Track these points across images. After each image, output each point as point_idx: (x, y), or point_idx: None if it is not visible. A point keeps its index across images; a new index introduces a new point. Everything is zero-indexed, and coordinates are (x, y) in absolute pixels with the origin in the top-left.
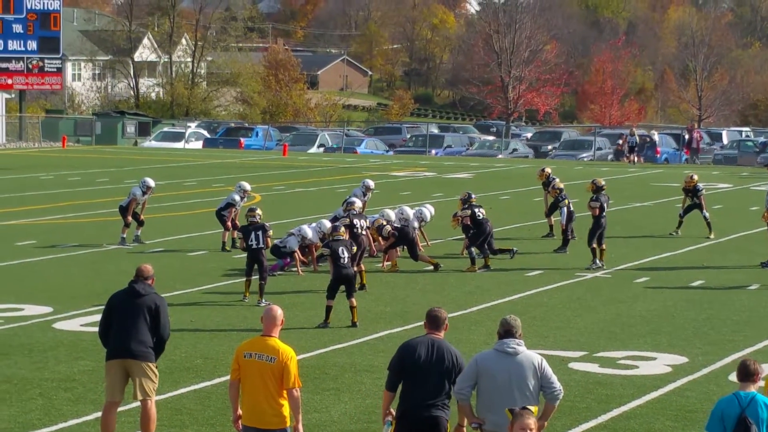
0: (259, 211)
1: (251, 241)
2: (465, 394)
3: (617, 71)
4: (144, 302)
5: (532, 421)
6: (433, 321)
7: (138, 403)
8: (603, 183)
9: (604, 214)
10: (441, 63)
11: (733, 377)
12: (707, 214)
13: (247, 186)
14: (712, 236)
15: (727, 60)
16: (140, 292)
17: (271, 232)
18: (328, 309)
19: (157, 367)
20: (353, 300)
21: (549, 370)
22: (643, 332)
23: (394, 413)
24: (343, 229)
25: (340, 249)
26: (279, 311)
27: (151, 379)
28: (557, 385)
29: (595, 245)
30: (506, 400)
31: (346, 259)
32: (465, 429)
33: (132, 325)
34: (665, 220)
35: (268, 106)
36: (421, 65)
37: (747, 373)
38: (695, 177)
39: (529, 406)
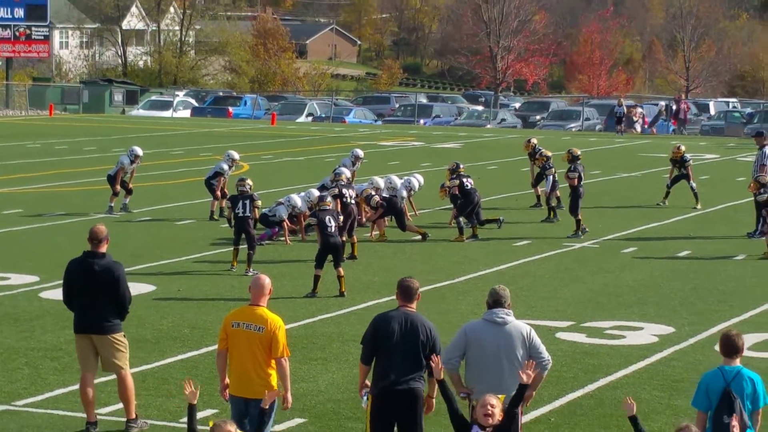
0: (249, 181)
1: (238, 209)
2: (454, 364)
3: (605, 42)
4: (100, 273)
5: (494, 400)
6: (406, 292)
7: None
8: (579, 153)
9: (581, 183)
10: (430, 33)
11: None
12: (694, 185)
13: (236, 155)
14: (698, 207)
15: (714, 31)
16: (95, 263)
17: (259, 203)
18: (316, 278)
19: (125, 336)
20: (341, 269)
21: (537, 340)
22: (630, 302)
23: (369, 386)
24: (330, 198)
25: (327, 218)
26: (267, 280)
27: (120, 350)
28: (546, 355)
29: (580, 216)
30: (495, 370)
31: (333, 228)
32: (434, 400)
33: (91, 298)
34: (653, 191)
35: (256, 75)
36: (410, 35)
37: (732, 348)
38: (682, 147)
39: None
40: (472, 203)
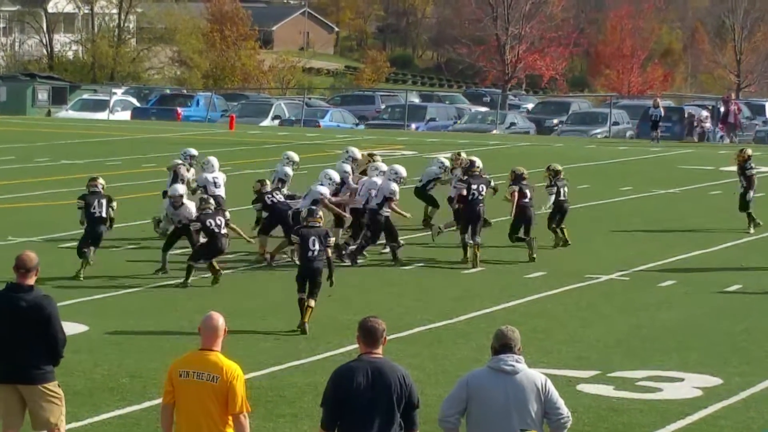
0: (101, 180)
1: (94, 208)
2: (453, 423)
3: (638, 29)
4: (28, 310)
5: None
6: (369, 335)
7: None
8: (523, 171)
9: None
10: (423, 18)
11: None
12: (752, 197)
13: (296, 156)
14: (752, 231)
15: None
16: (21, 298)
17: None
18: (301, 302)
19: (59, 386)
20: (312, 301)
21: (555, 393)
22: (667, 347)
23: None
24: (320, 214)
25: (312, 239)
26: (221, 319)
27: (54, 403)
28: (565, 410)
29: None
30: (503, 428)
31: (315, 252)
32: None
33: (18, 341)
34: (695, 210)
35: (211, 68)
36: (399, 20)
37: None
38: (748, 151)
39: (529, 431)
40: (473, 215)
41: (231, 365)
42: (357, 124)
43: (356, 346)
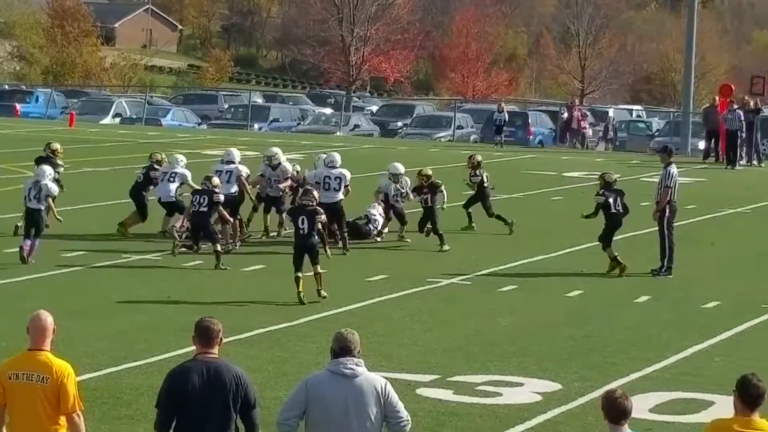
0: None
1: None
2: (290, 426)
3: (484, 33)
4: None
5: None
6: (204, 335)
7: None
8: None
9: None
10: (268, 17)
11: None
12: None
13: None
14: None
15: (616, 23)
16: None
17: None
18: (297, 280)
19: None
20: (317, 267)
21: (395, 396)
22: (507, 352)
23: None
24: (315, 194)
25: (300, 218)
26: (50, 318)
27: None
28: (404, 414)
29: None
30: None
31: (305, 230)
32: None
33: None
34: (537, 215)
35: (51, 64)
36: (244, 20)
37: (619, 412)
38: (478, 157)
39: None
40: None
41: (61, 364)
42: (199, 124)
43: (194, 347)
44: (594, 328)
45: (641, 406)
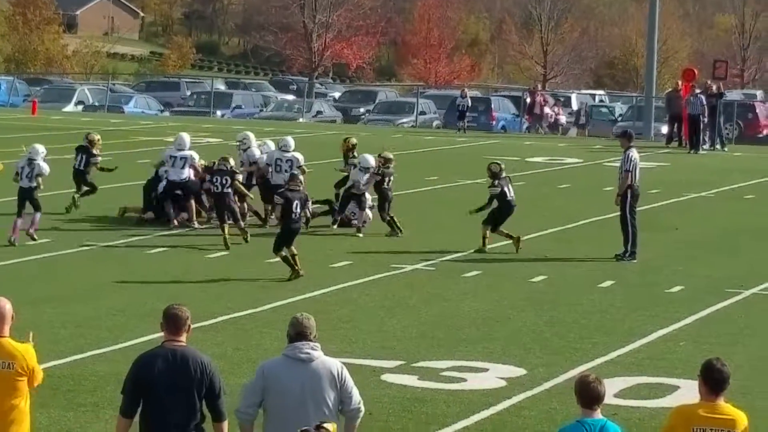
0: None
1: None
2: (250, 414)
3: (445, 19)
4: None
5: None
6: (172, 322)
7: None
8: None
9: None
10: (230, 4)
11: None
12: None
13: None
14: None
15: (578, 8)
16: None
17: None
18: (286, 259)
19: None
20: (294, 249)
21: (350, 381)
22: (472, 338)
23: None
24: (301, 179)
25: (295, 203)
26: (8, 305)
27: None
28: (357, 398)
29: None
30: (300, 418)
31: (298, 215)
32: None
33: None
34: None
35: (13, 52)
36: (205, 6)
37: (592, 397)
38: (353, 140)
39: (326, 423)
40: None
41: (21, 347)
42: (162, 111)
43: (160, 334)
44: (558, 314)
45: (606, 391)
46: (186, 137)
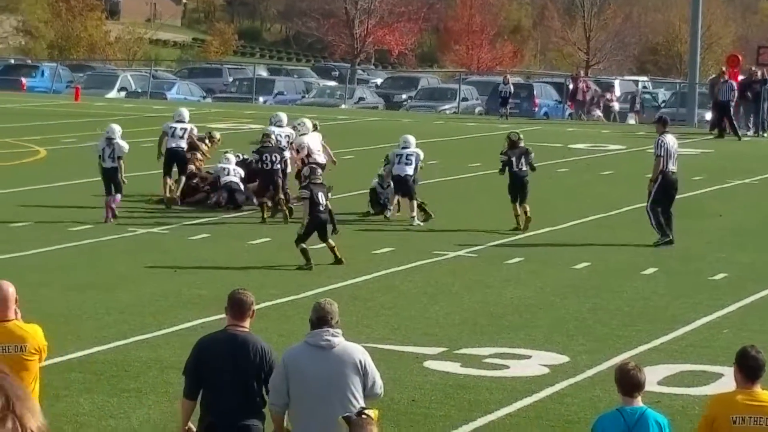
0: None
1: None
2: (279, 404)
3: (488, 5)
4: None
5: (375, 430)
6: (238, 307)
7: None
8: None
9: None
10: None
11: None
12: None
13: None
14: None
15: None
16: None
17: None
18: (304, 251)
19: None
20: (330, 241)
21: (373, 366)
22: (515, 325)
23: (194, 428)
24: (320, 171)
25: (319, 194)
26: (11, 288)
27: None
28: (379, 383)
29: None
30: (324, 404)
31: (322, 206)
32: None
33: None
34: (543, 187)
35: (56, 39)
36: None
37: (632, 384)
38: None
39: (367, 410)
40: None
41: (29, 327)
42: (204, 97)
43: (201, 320)
44: (601, 300)
45: (649, 379)
46: (185, 111)
